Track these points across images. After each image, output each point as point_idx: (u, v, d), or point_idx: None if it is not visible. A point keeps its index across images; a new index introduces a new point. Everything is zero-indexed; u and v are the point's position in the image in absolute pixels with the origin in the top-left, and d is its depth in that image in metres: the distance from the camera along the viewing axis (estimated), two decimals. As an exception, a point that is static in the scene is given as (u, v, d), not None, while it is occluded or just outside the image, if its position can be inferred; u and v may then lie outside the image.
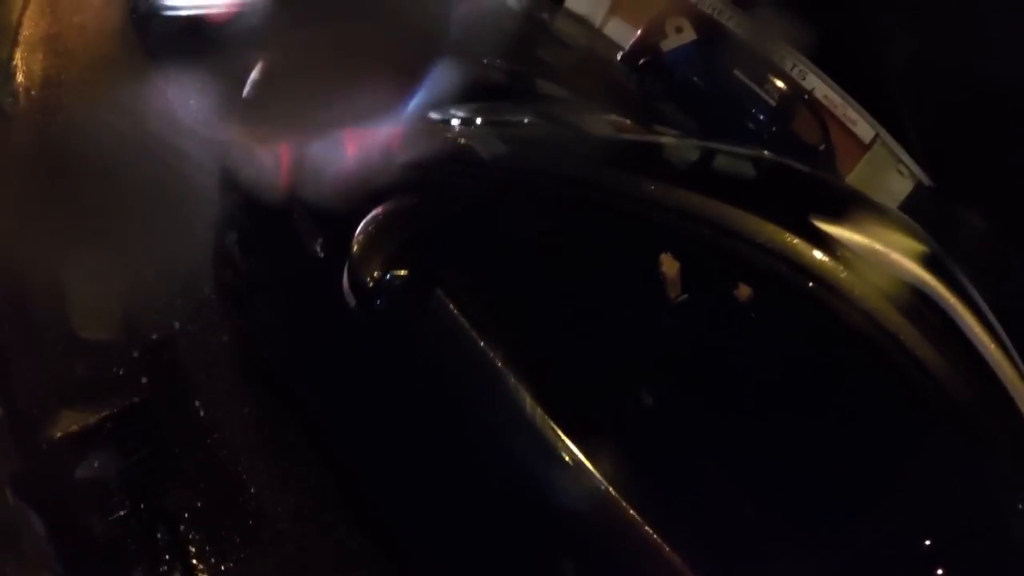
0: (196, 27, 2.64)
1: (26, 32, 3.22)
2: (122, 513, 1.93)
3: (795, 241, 1.39)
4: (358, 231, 1.49)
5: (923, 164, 2.91)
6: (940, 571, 1.31)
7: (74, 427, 2.03)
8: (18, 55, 3.03)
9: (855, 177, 2.76)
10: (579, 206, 1.45)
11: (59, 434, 2.02)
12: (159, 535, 1.91)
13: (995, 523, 1.32)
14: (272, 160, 1.83)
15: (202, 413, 2.02)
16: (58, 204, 2.40)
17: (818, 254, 1.39)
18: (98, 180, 2.39)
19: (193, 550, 1.91)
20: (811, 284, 1.38)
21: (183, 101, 2.76)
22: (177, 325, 2.14)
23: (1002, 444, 1.34)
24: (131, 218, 2.29)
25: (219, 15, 2.53)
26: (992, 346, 1.45)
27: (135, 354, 2.14)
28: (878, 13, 2.72)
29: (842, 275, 1.38)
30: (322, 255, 1.66)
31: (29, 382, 2.07)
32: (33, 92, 2.88)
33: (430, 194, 1.51)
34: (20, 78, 2.93)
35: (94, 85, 2.97)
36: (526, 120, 1.72)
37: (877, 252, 1.47)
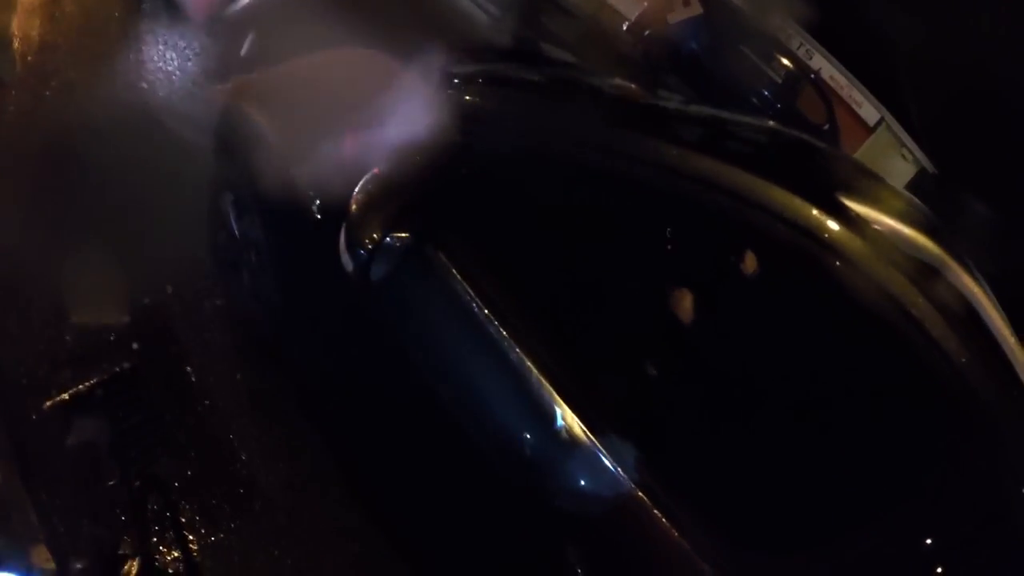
0: None
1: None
2: (112, 482, 1.90)
3: (815, 212, 1.34)
4: (356, 190, 1.45)
5: (926, 150, 2.91)
6: (950, 560, 1.30)
7: (64, 395, 2.00)
8: (15, 22, 2.97)
9: (859, 158, 2.75)
10: (591, 169, 1.40)
11: (48, 402, 1.99)
12: (150, 504, 1.89)
13: (1006, 513, 1.30)
14: (271, 122, 1.80)
15: (194, 379, 1.98)
16: (51, 171, 2.36)
17: (838, 227, 1.33)
18: (93, 146, 2.35)
19: (184, 519, 1.88)
20: (837, 262, 1.32)
21: (181, 63, 2.72)
22: (169, 289, 2.10)
23: (1017, 435, 1.31)
24: (125, 181, 2.25)
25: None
26: (1011, 338, 1.42)
27: (126, 319, 2.10)
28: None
29: (863, 250, 1.33)
30: (319, 216, 1.62)
31: (18, 350, 2.04)
32: (31, 59, 2.83)
33: (433, 155, 1.47)
34: (17, 45, 2.87)
35: (92, 50, 2.92)
36: (534, 80, 1.68)
37: (904, 236, 1.43)
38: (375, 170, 1.47)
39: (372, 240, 1.42)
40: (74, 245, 2.09)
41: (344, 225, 1.46)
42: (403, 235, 1.44)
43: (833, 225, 1.34)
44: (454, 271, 1.44)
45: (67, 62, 2.85)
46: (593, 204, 1.44)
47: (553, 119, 1.45)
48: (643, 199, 1.43)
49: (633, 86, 1.70)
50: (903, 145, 2.83)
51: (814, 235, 1.33)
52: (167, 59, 2.77)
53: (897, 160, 2.81)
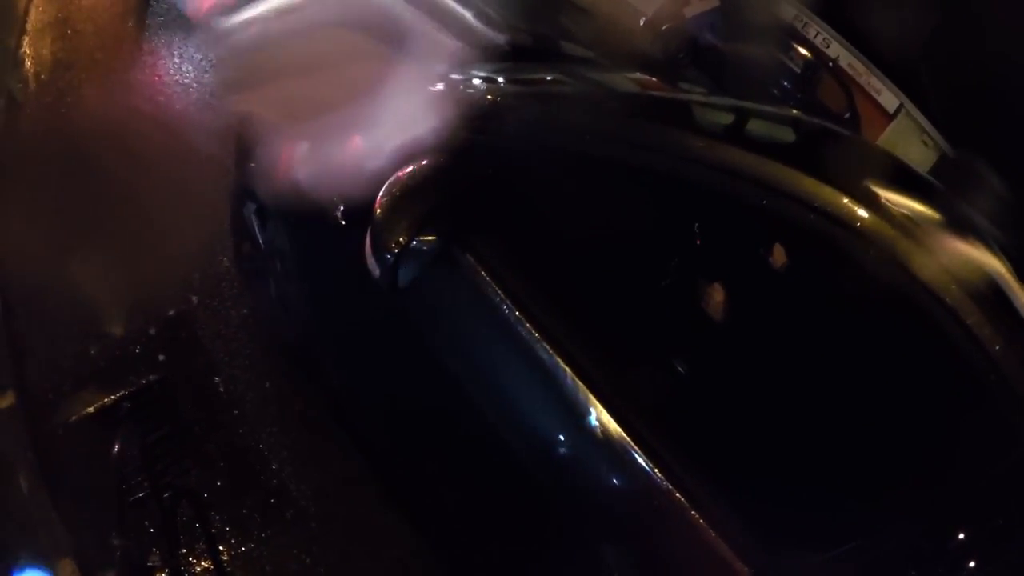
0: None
1: (34, 18, 3.18)
2: (142, 494, 1.90)
3: (852, 204, 1.30)
4: (381, 194, 1.44)
5: (947, 135, 2.87)
6: (983, 552, 1.28)
7: (90, 409, 2.00)
8: (27, 41, 2.99)
9: (881, 144, 2.74)
10: (616, 163, 1.39)
11: (74, 417, 1.99)
12: (180, 515, 1.89)
13: None
14: (287, 130, 1.79)
15: (222, 390, 1.98)
16: (72, 185, 2.37)
17: (875, 218, 1.30)
18: (112, 159, 2.36)
19: (214, 530, 1.88)
20: (868, 250, 1.29)
21: (197, 75, 2.73)
22: (195, 300, 2.11)
23: None
24: (147, 194, 2.26)
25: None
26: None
27: (152, 331, 2.10)
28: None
29: (902, 244, 1.30)
30: (343, 222, 1.62)
31: (43, 365, 2.05)
32: (43, 77, 2.85)
33: (458, 155, 1.46)
34: (29, 64, 2.90)
35: (106, 66, 2.94)
36: (555, 78, 1.66)
37: (938, 225, 1.41)
38: (399, 173, 1.46)
39: (398, 244, 1.41)
40: (97, 259, 2.10)
41: (370, 230, 1.45)
42: (429, 238, 1.43)
43: (863, 213, 1.31)
44: (482, 272, 1.43)
45: (80, 79, 2.86)
46: (619, 199, 1.42)
47: (575, 115, 1.43)
48: (669, 191, 1.41)
49: (654, 79, 1.69)
50: (924, 131, 2.80)
51: (845, 223, 1.30)
52: (182, 72, 2.78)
53: (918, 146, 2.78)
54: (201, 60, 2.85)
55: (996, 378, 1.27)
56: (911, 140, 2.68)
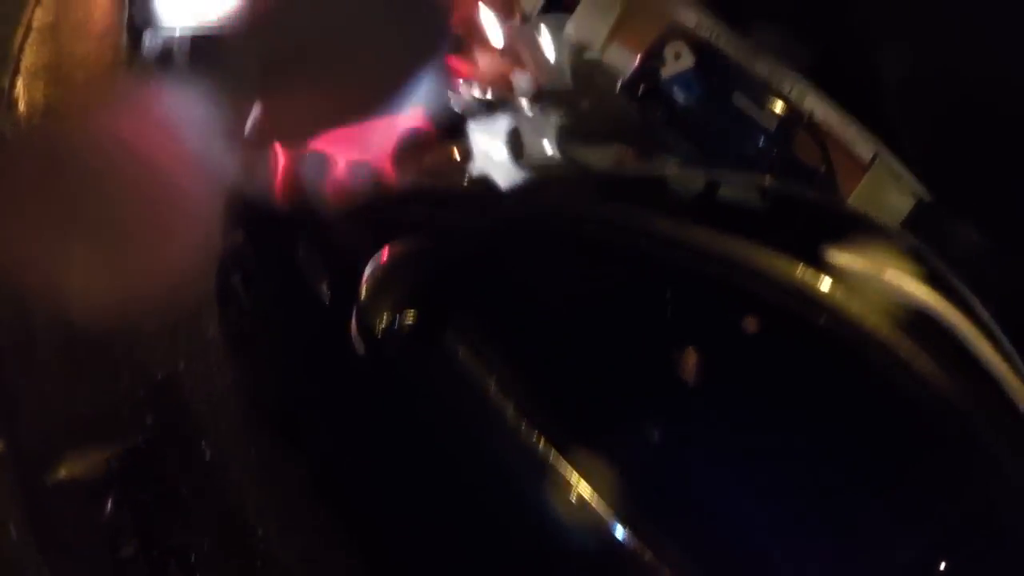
0: (198, 41, 2.63)
1: (27, 61, 3.21)
2: (129, 552, 1.91)
3: (805, 273, 1.38)
4: (366, 274, 1.48)
5: (923, 180, 2.91)
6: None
7: (78, 468, 2.02)
8: (20, 84, 3.03)
9: (857, 197, 2.75)
10: (590, 244, 1.44)
11: (64, 474, 2.01)
12: (169, 574, 1.90)
13: (1001, 536, 1.32)
14: (270, 178, 1.82)
15: (208, 454, 2.00)
16: (59, 234, 2.39)
17: (827, 286, 1.37)
18: (100, 209, 2.38)
19: (202, 592, 1.89)
20: (822, 316, 1.38)
21: (188, 127, 2.75)
22: (182, 365, 2.12)
23: (1009, 458, 1.34)
24: (134, 250, 2.28)
25: (221, 27, 2.52)
26: (1010, 375, 1.44)
27: (140, 393, 2.12)
28: (872, 29, 2.73)
29: (852, 304, 1.37)
30: (330, 296, 1.66)
31: (34, 419, 2.06)
32: (36, 121, 2.88)
33: (439, 234, 1.50)
34: (22, 107, 2.93)
35: (97, 112, 2.96)
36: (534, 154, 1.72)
37: (887, 279, 1.47)
38: (383, 253, 1.50)
39: (383, 322, 1.45)
40: (85, 314, 2.12)
41: (355, 309, 1.49)
42: (413, 316, 1.47)
43: (818, 281, 1.37)
44: (462, 349, 1.47)
45: (72, 124, 2.89)
46: (594, 275, 1.47)
47: (552, 196, 1.49)
48: (643, 268, 1.47)
49: (631, 151, 1.74)
50: (899, 177, 2.83)
51: (801, 294, 1.37)
52: (175, 122, 2.80)
53: (895, 194, 2.81)
54: (192, 109, 2.87)
55: (959, 429, 1.33)
56: (887, 188, 2.71)
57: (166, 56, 2.76)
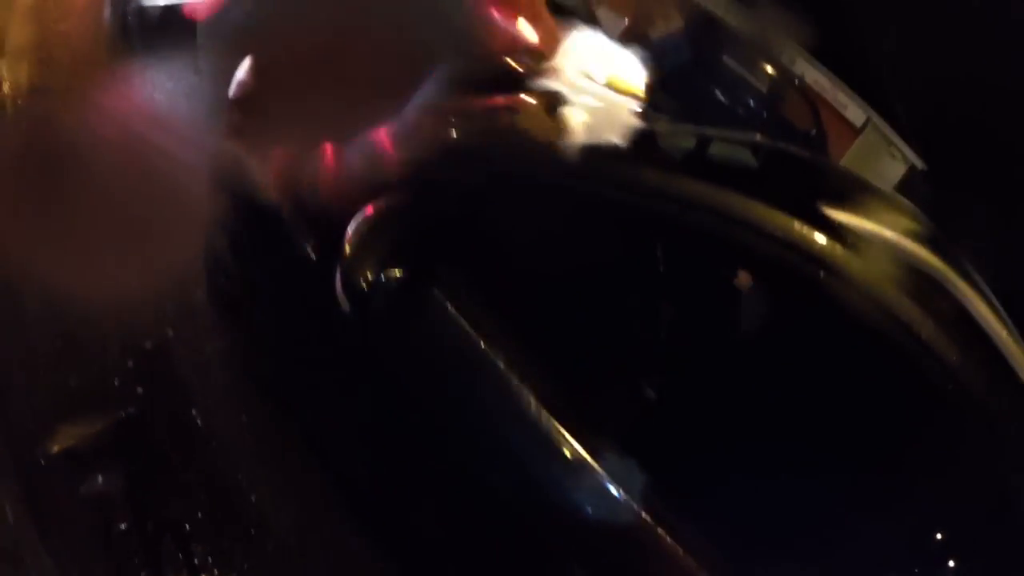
0: (182, 18, 2.59)
1: (11, 42, 3.17)
2: (123, 526, 1.91)
3: (802, 228, 1.36)
4: (350, 232, 1.47)
5: (915, 147, 2.90)
6: (953, 561, 1.32)
7: (71, 441, 2.00)
8: (3, 65, 2.99)
9: (847, 161, 2.75)
10: (576, 198, 1.43)
11: (56, 448, 2.00)
12: (164, 546, 1.90)
13: (1010, 510, 1.32)
14: (261, 159, 1.81)
15: (199, 422, 1.99)
16: (46, 214, 2.37)
17: (827, 241, 1.36)
18: (86, 188, 2.36)
19: (198, 562, 1.89)
20: (820, 272, 1.35)
21: (172, 103, 2.73)
22: (170, 333, 2.10)
23: (1017, 431, 1.34)
24: (120, 225, 2.26)
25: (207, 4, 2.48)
26: (1005, 334, 1.44)
27: (129, 364, 2.11)
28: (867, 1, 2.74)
29: (851, 262, 1.35)
30: (315, 256, 1.64)
31: (24, 395, 2.05)
32: (20, 102, 2.85)
33: (423, 191, 1.50)
34: (6, 88, 2.89)
35: (81, 91, 2.93)
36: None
37: (885, 238, 1.45)
38: (366, 210, 1.49)
39: (367, 280, 1.44)
40: (72, 289, 2.11)
41: (339, 267, 1.48)
42: (398, 272, 1.46)
43: (814, 236, 1.36)
44: (449, 305, 1.46)
45: (57, 104, 2.86)
46: (583, 230, 1.46)
47: (535, 149, 1.48)
48: (632, 221, 1.46)
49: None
50: (891, 144, 2.82)
51: (797, 248, 1.36)
52: (159, 99, 2.78)
53: (886, 159, 2.80)
54: (177, 86, 2.85)
55: (955, 386, 1.32)
56: (879, 154, 2.70)
57: (149, 31, 2.73)
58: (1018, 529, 1.29)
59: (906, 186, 2.49)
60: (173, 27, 2.63)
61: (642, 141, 1.59)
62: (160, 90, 2.83)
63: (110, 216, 2.27)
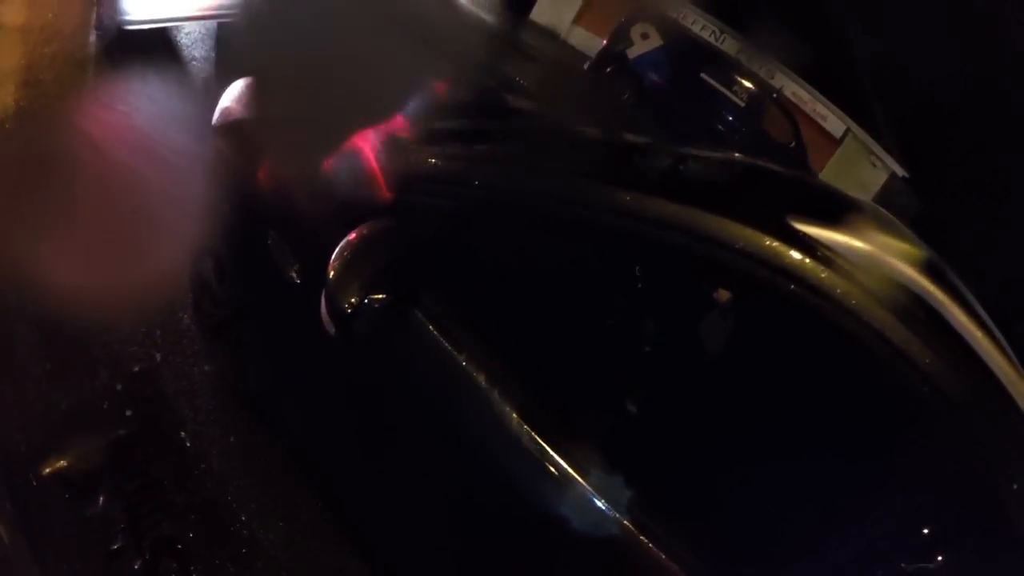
0: (165, 40, 2.61)
1: (-2, 64, 3.18)
2: (117, 546, 1.92)
3: (773, 244, 1.37)
4: (333, 257, 1.49)
5: (895, 155, 2.93)
6: (950, 545, 1.32)
7: (63, 463, 2.02)
8: (-9, 89, 3.00)
9: (828, 172, 2.78)
10: (554, 221, 1.45)
11: (48, 470, 2.01)
12: (160, 567, 1.91)
13: (994, 514, 1.33)
14: (248, 182, 1.83)
15: (189, 444, 2.01)
16: (34, 237, 2.38)
17: (797, 255, 1.37)
18: (73, 209, 2.37)
19: (191, 579, 1.90)
20: (792, 286, 1.36)
21: (156, 125, 2.74)
22: (158, 356, 2.13)
23: (998, 434, 1.34)
24: (105, 248, 2.27)
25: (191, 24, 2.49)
26: (982, 338, 1.44)
27: (118, 387, 2.12)
28: (843, 10, 2.75)
29: (823, 275, 1.36)
30: (299, 281, 1.66)
31: (15, 418, 2.06)
32: (7, 125, 2.86)
33: (404, 216, 1.52)
34: (-6, 112, 2.90)
35: (67, 114, 2.95)
36: (498, 136, 1.72)
37: (858, 250, 1.46)
38: (349, 237, 1.51)
39: (351, 304, 1.46)
40: (61, 312, 2.12)
41: (324, 290, 1.50)
42: (381, 296, 1.48)
43: (786, 251, 1.37)
44: (431, 327, 1.48)
45: (42, 127, 2.87)
46: (560, 252, 1.48)
47: (514, 174, 1.50)
48: (609, 242, 1.47)
49: (594, 131, 1.74)
50: (871, 153, 2.85)
51: (768, 262, 1.37)
52: (143, 121, 2.79)
53: (867, 168, 2.84)
54: (161, 109, 2.86)
55: (931, 389, 1.34)
56: (860, 162, 2.74)
57: (134, 53, 2.75)
58: (1000, 524, 1.31)
59: (888, 193, 2.52)
60: (156, 50, 2.65)
61: (619, 162, 1.62)
62: (145, 111, 2.85)
63: (97, 238, 2.29)
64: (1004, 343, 1.49)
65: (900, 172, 2.87)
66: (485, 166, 1.56)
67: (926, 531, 1.34)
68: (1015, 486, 1.32)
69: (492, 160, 1.60)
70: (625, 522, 1.36)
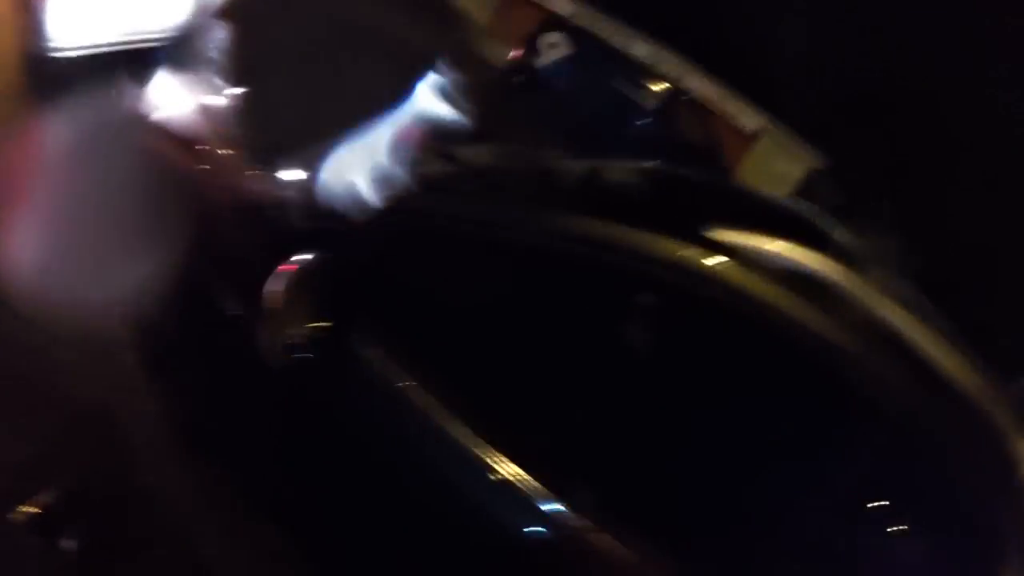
0: (99, 66, 2.56)
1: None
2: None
3: (685, 250, 1.44)
4: (269, 290, 1.54)
5: (814, 148, 3.01)
6: (911, 517, 1.39)
7: (13, 513, 2.01)
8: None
9: (745, 168, 2.82)
10: (477, 243, 1.52)
11: (14, 514, 1.99)
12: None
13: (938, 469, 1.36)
14: (176, 217, 1.83)
15: (144, 483, 2.01)
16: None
17: (709, 259, 1.44)
18: (7, 244, 2.32)
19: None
20: (709, 290, 1.43)
21: (89, 155, 2.70)
22: (106, 396, 2.12)
23: (934, 419, 1.36)
24: (47, 283, 2.23)
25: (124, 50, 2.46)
26: (910, 324, 1.44)
27: (65, 431, 2.11)
28: (757, 7, 2.82)
29: (734, 275, 1.43)
30: (238, 313, 1.69)
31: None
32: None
33: (333, 244, 1.56)
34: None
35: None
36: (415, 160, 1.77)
37: (774, 252, 1.49)
38: (286, 267, 1.55)
39: (290, 336, 1.50)
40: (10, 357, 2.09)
41: (263, 323, 1.54)
42: (320, 326, 1.53)
43: (698, 256, 1.44)
44: (373, 354, 1.54)
45: None
46: (486, 272, 1.54)
47: (433, 202, 1.56)
48: (531, 260, 1.54)
49: (509, 147, 1.80)
50: (789, 148, 2.89)
51: (681, 269, 1.44)
52: (78, 150, 2.73)
53: (784, 163, 2.89)
54: (92, 139, 2.81)
55: (860, 375, 1.37)
56: (777, 158, 2.78)
57: (67, 82, 2.71)
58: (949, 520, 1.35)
59: (808, 187, 2.60)
60: (88, 76, 2.61)
61: (535, 180, 1.68)
62: (78, 142, 2.80)
63: (34, 276, 2.25)
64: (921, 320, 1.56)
65: (819, 165, 2.94)
66: (402, 192, 1.61)
67: (872, 505, 1.35)
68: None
69: (409, 184, 1.65)
70: (581, 527, 1.41)
